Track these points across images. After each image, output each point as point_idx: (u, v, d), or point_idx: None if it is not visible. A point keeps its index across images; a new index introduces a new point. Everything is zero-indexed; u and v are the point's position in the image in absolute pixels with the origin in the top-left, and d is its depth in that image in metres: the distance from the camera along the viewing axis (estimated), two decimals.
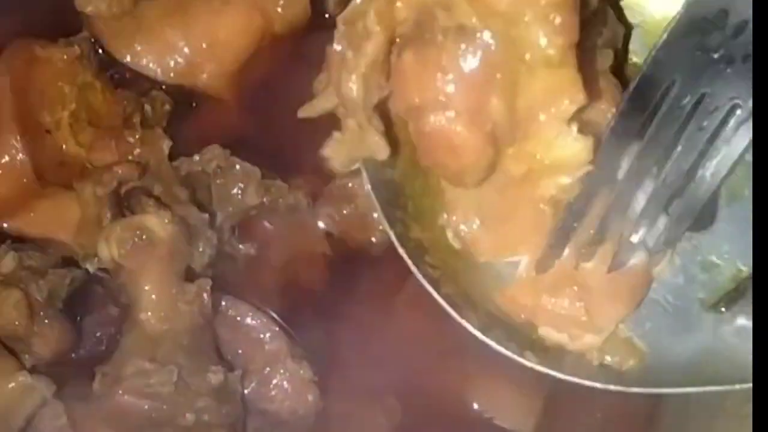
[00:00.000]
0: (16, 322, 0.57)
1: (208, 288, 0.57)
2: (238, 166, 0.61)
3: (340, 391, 0.63)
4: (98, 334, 0.61)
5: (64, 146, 0.63)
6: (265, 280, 0.65)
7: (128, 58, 0.65)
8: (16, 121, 0.61)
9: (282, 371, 0.61)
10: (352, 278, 0.66)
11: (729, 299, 0.52)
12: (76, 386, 0.57)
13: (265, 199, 0.62)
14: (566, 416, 0.62)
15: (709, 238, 0.52)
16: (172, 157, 0.62)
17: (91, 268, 0.59)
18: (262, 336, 0.61)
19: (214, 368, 0.56)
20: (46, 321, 0.59)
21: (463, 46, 0.43)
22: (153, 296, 0.56)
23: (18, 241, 0.62)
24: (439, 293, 0.50)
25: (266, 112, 0.67)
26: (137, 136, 0.62)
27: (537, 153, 0.46)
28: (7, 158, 0.61)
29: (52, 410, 0.56)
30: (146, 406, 0.54)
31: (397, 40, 0.45)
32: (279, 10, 0.66)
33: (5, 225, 0.61)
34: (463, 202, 0.50)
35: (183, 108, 0.67)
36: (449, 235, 0.51)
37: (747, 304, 0.51)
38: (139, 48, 0.65)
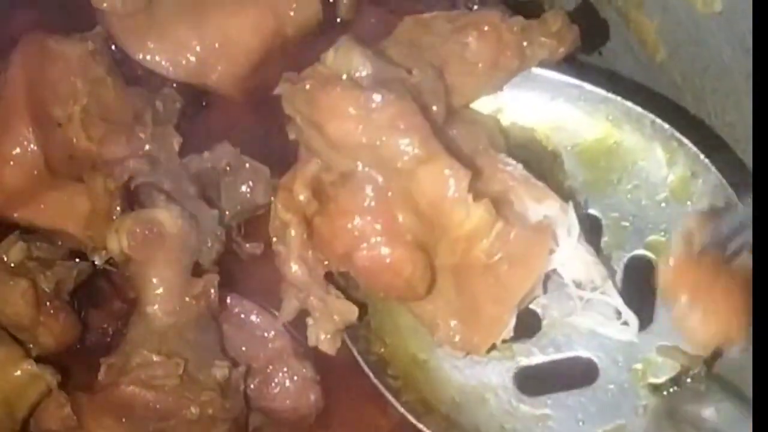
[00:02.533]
0: (23, 312, 0.58)
1: (216, 283, 0.58)
2: (247, 165, 0.62)
3: (342, 392, 0.63)
4: (104, 326, 0.62)
5: (74, 140, 0.63)
6: (270, 279, 0.65)
7: (141, 56, 0.66)
8: (29, 113, 0.61)
9: (285, 370, 0.61)
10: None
11: (671, 385, 0.55)
12: (81, 377, 0.58)
13: (272, 199, 0.63)
14: None
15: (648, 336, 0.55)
16: (181, 154, 0.63)
17: (98, 260, 0.60)
18: (266, 334, 0.62)
19: (219, 363, 0.57)
20: (52, 312, 0.59)
21: (350, 187, 0.50)
22: (160, 289, 0.57)
23: (27, 231, 0.62)
24: (399, 402, 0.55)
25: (275, 113, 0.67)
26: (148, 132, 0.62)
27: (458, 236, 0.50)
28: (18, 150, 0.61)
29: (56, 400, 0.56)
30: (151, 398, 0.54)
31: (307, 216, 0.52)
32: (291, 13, 0.66)
33: (15, 215, 0.61)
34: (434, 314, 0.54)
35: (193, 106, 0.67)
36: (448, 351, 0.55)
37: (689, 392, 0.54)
38: (151, 45, 0.65)
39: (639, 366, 0.55)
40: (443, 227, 0.50)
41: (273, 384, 0.61)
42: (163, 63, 0.66)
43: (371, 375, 0.56)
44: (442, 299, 0.53)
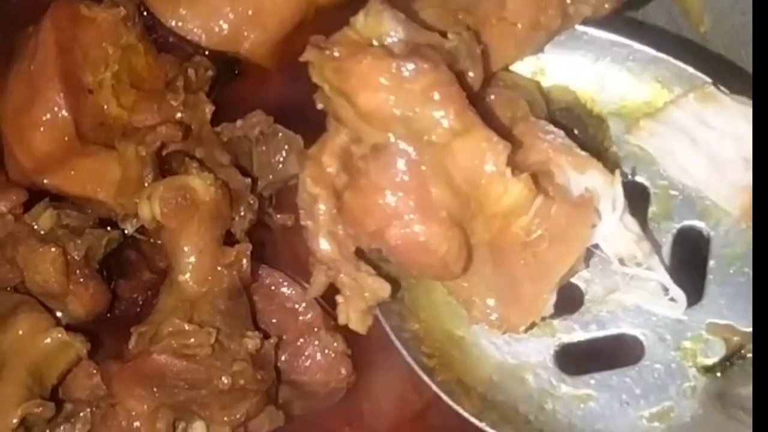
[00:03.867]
0: (52, 279, 0.57)
1: (248, 253, 0.57)
2: (280, 134, 0.60)
3: (373, 366, 0.62)
4: (134, 296, 0.61)
5: (105, 107, 0.63)
6: (301, 251, 0.64)
7: (173, 22, 0.65)
8: (60, 78, 0.60)
9: (316, 343, 0.60)
10: None
11: (723, 367, 0.53)
12: (111, 347, 0.57)
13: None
14: None
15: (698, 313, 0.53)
16: (213, 123, 0.62)
17: (129, 228, 0.59)
18: (297, 306, 0.61)
19: (251, 333, 0.56)
20: (82, 280, 0.58)
21: (382, 161, 0.47)
22: (192, 258, 0.55)
23: (56, 199, 0.61)
24: (434, 381, 0.53)
25: (308, 82, 0.66)
26: (180, 100, 0.61)
27: (495, 212, 0.48)
28: (49, 115, 0.60)
29: (85, 369, 0.56)
30: (182, 367, 0.53)
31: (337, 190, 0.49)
32: None
33: (45, 181, 0.61)
34: (470, 291, 0.51)
35: (226, 74, 0.66)
36: (485, 328, 0.53)
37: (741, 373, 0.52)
38: (184, 12, 0.64)
39: (688, 344, 0.53)
40: (480, 203, 0.48)
41: (303, 357, 0.60)
42: (196, 30, 0.65)
43: (405, 354, 0.53)
44: (478, 276, 0.51)
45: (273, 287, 0.61)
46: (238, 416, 0.55)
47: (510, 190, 0.47)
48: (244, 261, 0.57)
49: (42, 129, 0.60)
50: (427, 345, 0.54)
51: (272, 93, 0.65)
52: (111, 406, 0.54)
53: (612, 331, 0.53)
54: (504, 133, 0.48)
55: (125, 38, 0.64)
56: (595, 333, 0.53)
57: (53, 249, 0.57)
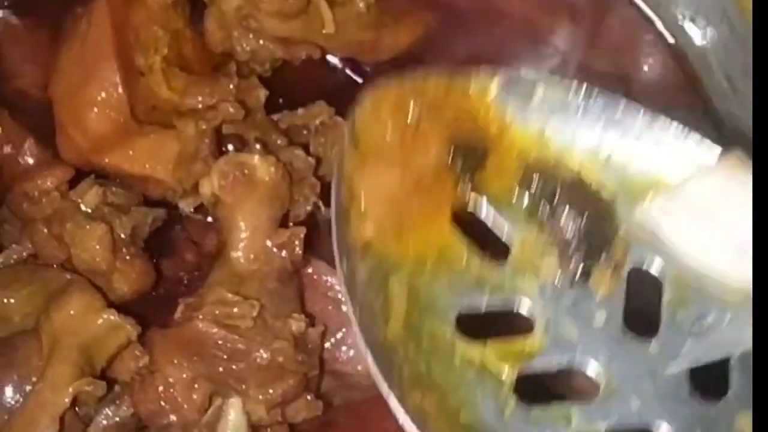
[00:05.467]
0: (100, 256, 0.56)
1: (302, 236, 0.56)
2: (340, 126, 0.60)
3: None
4: (179, 274, 0.60)
5: (157, 90, 0.62)
6: None
7: None
8: (116, 57, 0.60)
9: None
10: None
11: None
12: (157, 324, 0.56)
13: None
14: None
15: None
16: (268, 111, 0.62)
17: (187, 207, 0.59)
18: (340, 296, 0.60)
19: (296, 315, 0.55)
20: (128, 258, 0.58)
21: None
22: (246, 233, 0.55)
23: (101, 178, 0.61)
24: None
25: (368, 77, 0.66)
26: (234, 83, 0.61)
27: None
28: (104, 94, 0.60)
29: (132, 352, 0.55)
30: (222, 337, 0.53)
31: None
32: None
33: (106, 160, 0.60)
34: None
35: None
36: None
37: None
38: None
39: None
40: None
41: (346, 347, 0.60)
42: None
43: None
44: None
45: (316, 276, 0.60)
46: (274, 395, 0.54)
47: None
48: (297, 243, 0.56)
49: (98, 108, 0.60)
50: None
51: (328, 84, 0.65)
52: (150, 373, 0.53)
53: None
54: None
55: (174, 22, 0.64)
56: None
57: (101, 226, 0.57)
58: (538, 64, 0.65)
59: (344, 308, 0.60)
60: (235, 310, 0.53)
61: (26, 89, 0.66)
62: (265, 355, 0.53)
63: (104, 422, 0.55)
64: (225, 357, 0.53)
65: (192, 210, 0.59)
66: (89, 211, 0.58)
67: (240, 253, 0.55)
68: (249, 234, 0.55)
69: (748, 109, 0.52)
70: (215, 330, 0.53)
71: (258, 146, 0.57)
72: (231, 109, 0.58)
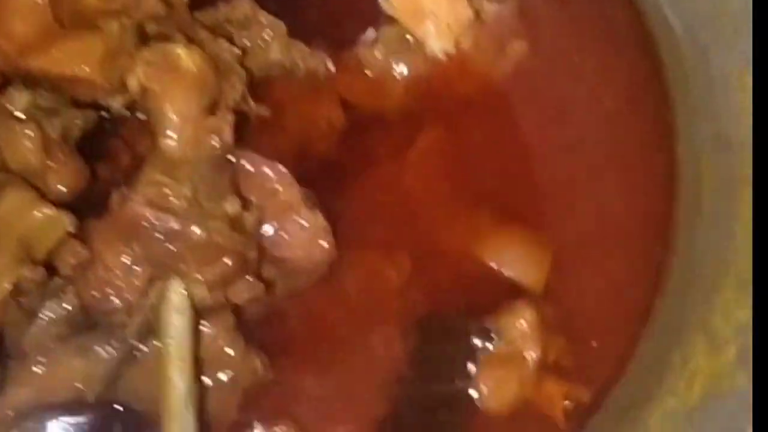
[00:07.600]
0: (31, 155, 0.57)
1: (231, 120, 0.57)
2: (263, 19, 0.61)
3: (352, 246, 0.64)
4: (115, 176, 0.61)
5: None
6: (277, 142, 0.65)
7: None
8: None
9: (295, 219, 0.61)
10: (365, 143, 0.67)
11: None
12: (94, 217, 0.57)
13: (285, 61, 0.63)
14: (575, 270, 0.64)
15: None
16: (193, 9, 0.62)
17: (116, 104, 0.59)
18: (276, 186, 0.61)
19: (231, 198, 0.56)
20: (61, 156, 0.58)
21: None
22: (176, 119, 0.56)
23: (30, 83, 0.61)
24: None
25: None
26: None
27: None
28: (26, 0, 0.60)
29: (72, 248, 0.56)
30: (157, 217, 0.54)
31: None
32: None
33: (32, 63, 0.60)
34: None
35: None
36: None
37: None
38: None
39: None
40: None
41: (284, 234, 0.61)
42: None
43: None
44: None
45: (251, 166, 0.61)
46: (213, 274, 0.55)
47: None
48: (227, 128, 0.57)
49: (19, 14, 0.60)
50: None
51: None
52: (91, 261, 0.54)
53: None
54: None
55: None
56: None
57: (30, 125, 0.57)
58: None
59: (281, 197, 0.62)
60: (167, 190, 0.54)
61: None
62: (198, 232, 0.54)
63: (50, 315, 0.56)
64: (162, 238, 0.54)
65: (123, 107, 0.60)
66: (20, 115, 0.59)
67: (170, 141, 0.56)
68: (178, 121, 0.56)
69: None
70: (150, 211, 0.54)
71: (181, 37, 0.57)
72: (153, 4, 0.59)
